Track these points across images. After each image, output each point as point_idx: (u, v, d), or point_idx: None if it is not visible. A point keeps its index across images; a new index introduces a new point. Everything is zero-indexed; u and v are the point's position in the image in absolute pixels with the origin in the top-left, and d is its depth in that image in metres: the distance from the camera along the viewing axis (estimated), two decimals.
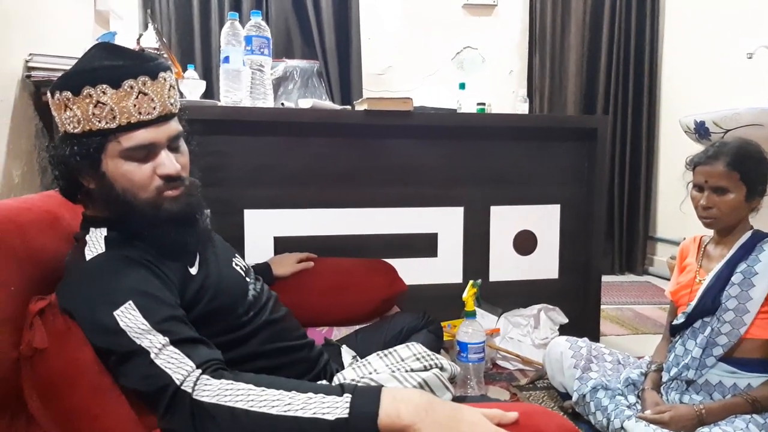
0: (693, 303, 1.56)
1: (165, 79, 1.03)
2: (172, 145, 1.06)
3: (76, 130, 0.99)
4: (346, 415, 0.80)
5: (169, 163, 1.03)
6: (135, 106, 0.98)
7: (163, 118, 1.03)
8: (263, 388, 0.84)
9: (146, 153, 1.01)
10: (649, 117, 3.97)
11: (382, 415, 0.80)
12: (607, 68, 3.97)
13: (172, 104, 1.05)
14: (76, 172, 1.02)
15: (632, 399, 1.59)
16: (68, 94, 0.97)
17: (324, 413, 0.80)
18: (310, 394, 0.83)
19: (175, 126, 1.06)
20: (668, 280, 1.91)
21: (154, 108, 1.00)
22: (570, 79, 3.97)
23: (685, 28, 3.82)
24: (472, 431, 0.80)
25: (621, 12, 3.94)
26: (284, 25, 3.67)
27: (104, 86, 0.96)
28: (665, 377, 1.59)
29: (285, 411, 0.81)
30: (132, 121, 0.98)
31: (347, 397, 0.82)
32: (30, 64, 1.76)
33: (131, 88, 0.97)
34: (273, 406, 0.82)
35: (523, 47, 4.08)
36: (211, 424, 0.82)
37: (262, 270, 1.65)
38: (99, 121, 0.97)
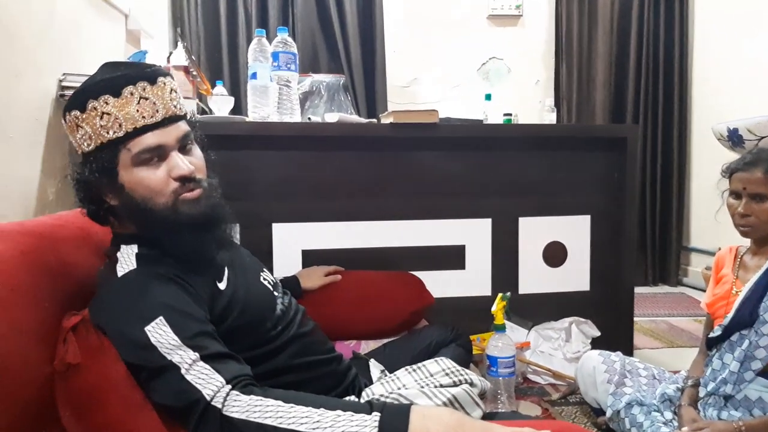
0: (730, 315, 1.52)
1: (165, 84, 1.05)
2: (183, 148, 1.07)
3: (90, 147, 1.01)
4: None
5: (182, 163, 1.04)
6: (138, 111, 1.00)
7: (169, 121, 1.04)
8: (292, 405, 0.84)
9: (157, 156, 1.03)
10: (680, 125, 3.90)
11: (415, 427, 0.79)
12: (636, 76, 3.92)
13: (176, 107, 1.06)
14: (97, 190, 1.04)
15: (668, 415, 1.55)
16: (76, 112, 1.00)
17: (353, 431, 0.80)
18: (339, 412, 0.83)
19: (183, 127, 1.07)
20: (703, 291, 1.87)
21: (157, 111, 1.02)
22: (598, 88, 3.93)
23: (715, 33, 3.75)
24: None
25: (649, 18, 3.90)
26: (310, 39, 3.71)
27: (106, 96, 0.99)
28: (702, 392, 1.54)
29: (314, 428, 0.81)
30: (138, 126, 1.00)
31: (376, 416, 0.81)
32: (63, 84, 1.80)
33: (131, 94, 1.00)
34: (301, 423, 0.82)
35: (549, 57, 4.05)
36: None
37: (291, 284, 1.65)
38: (107, 132, 0.99)
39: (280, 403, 0.84)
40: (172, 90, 1.07)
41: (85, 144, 1.01)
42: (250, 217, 1.98)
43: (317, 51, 3.75)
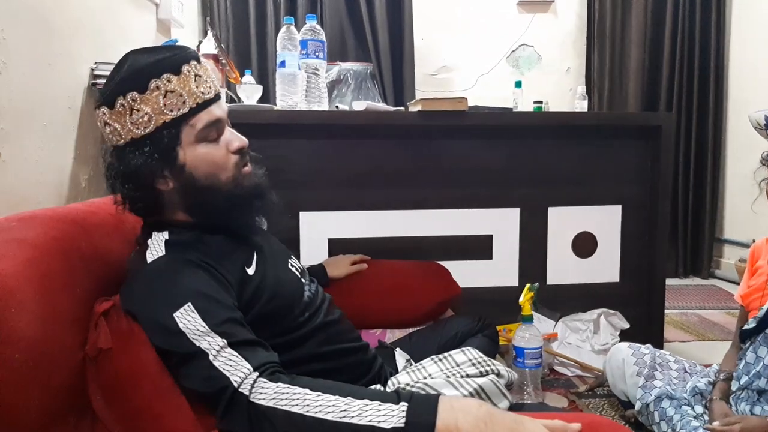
0: (765, 307, 1.48)
1: (205, 62, 1.09)
2: (230, 123, 1.12)
3: (147, 130, 1.00)
4: (402, 425, 0.79)
5: (237, 137, 1.09)
6: (198, 87, 1.03)
7: (218, 97, 1.08)
8: (319, 393, 0.84)
9: (216, 131, 1.06)
10: (715, 113, 3.80)
11: (440, 425, 0.78)
12: (670, 63, 3.82)
13: (217, 85, 1.10)
14: (152, 176, 1.02)
15: (699, 409, 1.52)
16: (134, 94, 0.99)
17: (380, 421, 0.79)
18: (366, 401, 0.82)
19: (225, 104, 1.11)
20: (736, 283, 1.82)
21: (210, 87, 1.06)
22: (630, 76, 3.85)
23: (752, 18, 3.64)
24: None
25: (685, 4, 3.79)
26: (338, 27, 3.70)
27: (168, 75, 1.00)
28: (735, 386, 1.51)
29: (341, 417, 0.81)
30: (199, 102, 1.02)
31: (403, 406, 0.81)
32: (96, 72, 1.83)
33: (188, 72, 1.02)
34: (328, 412, 0.82)
35: (581, 44, 3.98)
36: (267, 426, 0.83)
37: (317, 272, 1.66)
38: (171, 111, 1.00)
39: (307, 391, 0.84)
40: (211, 69, 1.10)
41: (140, 128, 0.99)
42: (277, 205, 1.98)
43: (345, 39, 3.74)
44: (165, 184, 1.04)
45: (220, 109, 1.07)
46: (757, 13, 3.59)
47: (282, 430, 0.82)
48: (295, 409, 0.82)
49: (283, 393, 0.84)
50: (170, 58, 1.01)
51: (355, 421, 0.80)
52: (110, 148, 1.05)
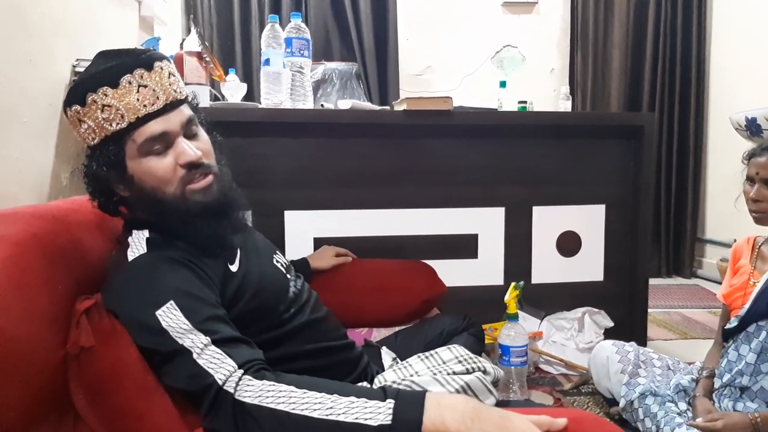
0: (747, 306, 1.50)
1: (162, 68, 1.02)
2: (188, 133, 1.05)
3: (95, 141, 1.00)
4: (389, 422, 0.78)
5: (188, 149, 1.02)
6: (138, 100, 0.98)
7: (171, 106, 1.02)
8: (305, 390, 0.83)
9: (163, 144, 1.01)
10: (696, 114, 3.85)
11: (427, 422, 0.78)
12: (652, 65, 3.86)
13: (176, 91, 1.04)
14: (107, 183, 1.03)
15: (683, 406, 1.54)
16: (77, 107, 0.98)
17: (366, 419, 0.79)
18: (352, 398, 0.82)
19: (186, 112, 1.05)
20: (718, 283, 1.85)
21: (158, 98, 1.00)
22: (613, 76, 3.88)
23: (733, 21, 3.69)
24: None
25: (666, 6, 3.83)
26: (323, 27, 3.69)
27: (104, 88, 0.97)
28: (717, 383, 1.52)
29: (327, 415, 0.80)
30: (140, 116, 0.98)
31: (390, 403, 0.80)
32: (77, 69, 1.80)
33: (129, 83, 0.98)
34: (315, 410, 0.81)
35: (565, 45, 4.01)
36: (252, 424, 0.82)
37: (300, 266, 1.65)
38: (110, 125, 0.98)
39: (292, 388, 0.84)
40: (170, 74, 1.04)
41: (90, 138, 1.00)
42: (262, 205, 1.97)
43: (330, 39, 3.73)
44: (122, 190, 1.04)
45: (170, 120, 1.01)
46: (738, 16, 3.64)
47: (268, 427, 0.81)
48: (281, 407, 0.82)
49: (269, 390, 0.83)
50: (111, 69, 0.98)
51: (341, 418, 0.80)
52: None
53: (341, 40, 3.75)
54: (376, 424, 0.78)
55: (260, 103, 2.08)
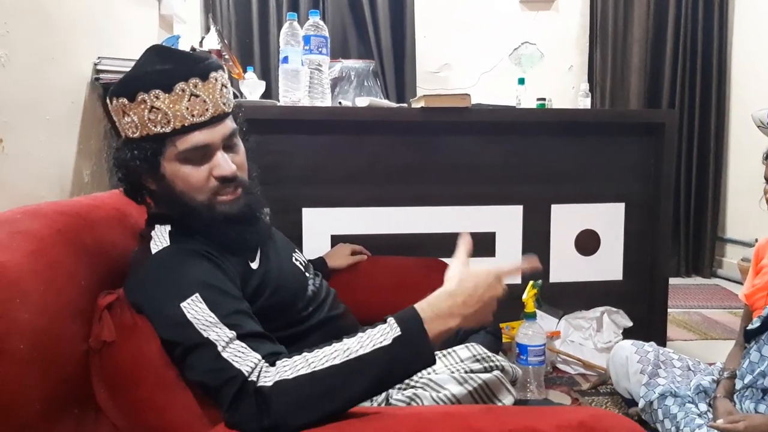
0: None
1: (216, 79, 1.02)
2: (227, 144, 1.05)
3: (135, 135, 1.00)
4: (399, 332, 0.84)
5: (225, 164, 1.03)
6: (188, 109, 0.98)
7: (217, 119, 1.02)
8: (316, 351, 0.87)
9: (202, 155, 1.02)
10: (717, 112, 3.79)
11: (424, 314, 0.87)
12: (672, 61, 3.81)
13: (224, 104, 1.04)
14: (137, 174, 1.04)
15: (703, 407, 1.52)
16: (124, 100, 0.98)
17: (381, 342, 0.84)
18: (359, 335, 0.87)
19: (229, 125, 1.05)
20: (739, 283, 1.82)
21: (207, 110, 1.00)
22: (633, 73, 3.84)
23: (756, 16, 3.63)
24: (487, 294, 0.93)
25: (687, 1, 3.78)
26: (340, 24, 3.69)
27: (157, 91, 0.96)
28: (739, 385, 1.50)
29: (347, 356, 0.84)
30: (186, 124, 0.98)
31: (391, 320, 0.87)
32: (98, 67, 1.82)
33: (183, 91, 0.98)
34: (333, 358, 0.84)
35: (584, 41, 3.97)
36: (280, 404, 0.81)
37: (318, 265, 1.66)
38: (154, 126, 0.98)
39: (304, 354, 0.86)
40: (222, 86, 1.04)
41: (130, 131, 1.01)
42: (280, 202, 1.98)
43: (347, 36, 3.73)
44: (150, 183, 1.05)
45: (214, 133, 1.01)
46: (761, 11, 3.58)
47: (296, 396, 0.82)
48: (301, 372, 0.83)
49: (285, 366, 0.85)
50: (167, 72, 0.98)
51: (361, 352, 0.84)
52: None
53: (358, 37, 3.75)
54: (390, 341, 0.84)
55: (278, 100, 2.09)
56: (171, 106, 0.97)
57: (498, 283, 0.96)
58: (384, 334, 0.85)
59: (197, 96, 0.99)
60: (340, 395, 0.82)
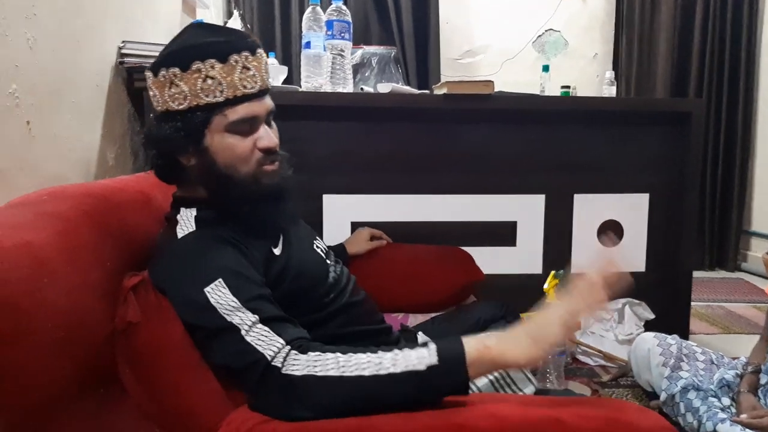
0: None
1: (261, 55, 1.06)
2: (268, 120, 1.08)
3: (181, 107, 1.00)
4: (436, 362, 0.82)
5: (269, 136, 1.06)
6: (240, 80, 1.00)
7: (263, 93, 1.05)
8: (350, 354, 0.85)
9: (249, 126, 1.04)
10: (745, 102, 3.71)
11: (469, 350, 0.83)
12: (700, 50, 3.73)
13: (267, 80, 1.07)
14: (176, 149, 1.04)
15: (726, 401, 1.50)
16: (176, 70, 0.98)
17: (415, 365, 0.82)
18: (396, 351, 0.85)
19: (270, 101, 1.08)
20: (764, 277, 1.78)
21: (256, 82, 1.03)
22: (659, 62, 3.77)
23: None
24: (552, 332, 0.86)
25: None
26: (362, 10, 3.67)
27: (213, 61, 0.98)
28: (763, 380, 1.49)
29: (378, 371, 0.82)
30: (237, 95, 1.00)
31: (432, 346, 0.84)
32: (123, 51, 1.83)
33: (236, 62, 1.00)
34: (364, 369, 0.83)
35: (609, 29, 3.91)
36: (304, 396, 0.82)
37: (338, 251, 1.65)
38: (206, 96, 0.99)
39: (338, 354, 0.85)
40: (266, 63, 1.08)
41: (176, 102, 1.00)
42: (301, 188, 1.96)
43: (369, 21, 3.71)
44: (187, 159, 1.05)
45: (261, 105, 1.04)
46: None
47: (319, 396, 0.82)
48: (330, 373, 0.83)
49: (316, 361, 0.84)
50: (222, 44, 1.00)
51: (392, 371, 0.82)
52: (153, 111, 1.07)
53: (380, 23, 3.73)
54: (425, 367, 0.82)
55: (300, 86, 2.09)
56: (225, 76, 0.99)
57: (573, 321, 0.90)
58: (420, 358, 0.83)
59: (248, 69, 1.01)
60: (361, 407, 0.82)
